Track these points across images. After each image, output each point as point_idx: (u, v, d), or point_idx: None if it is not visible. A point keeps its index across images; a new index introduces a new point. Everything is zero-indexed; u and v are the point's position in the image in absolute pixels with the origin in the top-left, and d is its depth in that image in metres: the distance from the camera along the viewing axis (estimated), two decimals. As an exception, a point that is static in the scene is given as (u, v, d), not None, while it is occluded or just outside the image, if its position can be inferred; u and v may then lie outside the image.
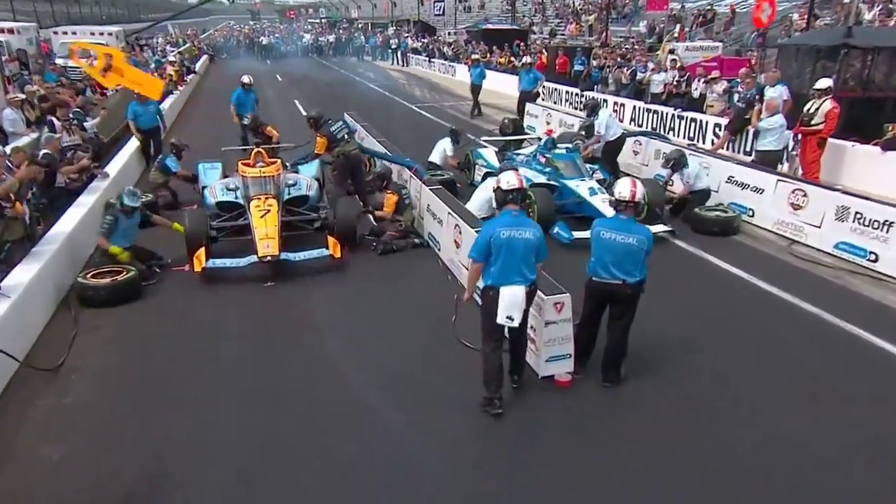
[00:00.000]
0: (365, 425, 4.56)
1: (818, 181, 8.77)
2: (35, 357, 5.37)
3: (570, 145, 9.56)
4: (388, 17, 56.82)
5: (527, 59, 19.08)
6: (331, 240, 7.30)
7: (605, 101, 15.26)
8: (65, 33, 26.19)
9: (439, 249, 7.59)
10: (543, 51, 24.26)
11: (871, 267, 7.07)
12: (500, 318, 4.53)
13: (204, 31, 58.77)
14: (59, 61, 20.05)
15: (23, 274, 5.79)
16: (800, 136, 9.48)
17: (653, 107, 14.54)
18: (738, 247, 7.99)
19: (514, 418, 4.64)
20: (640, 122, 14.59)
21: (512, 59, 25.04)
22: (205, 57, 35.84)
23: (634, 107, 15.05)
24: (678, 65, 15.58)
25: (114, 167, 9.74)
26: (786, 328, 5.98)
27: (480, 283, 4.68)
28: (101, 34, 26.21)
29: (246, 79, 12.46)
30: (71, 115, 10.25)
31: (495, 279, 4.53)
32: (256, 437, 4.44)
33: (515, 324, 4.57)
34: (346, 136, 8.75)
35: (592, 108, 10.20)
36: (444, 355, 5.42)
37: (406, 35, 41.75)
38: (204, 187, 8.47)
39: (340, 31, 53.59)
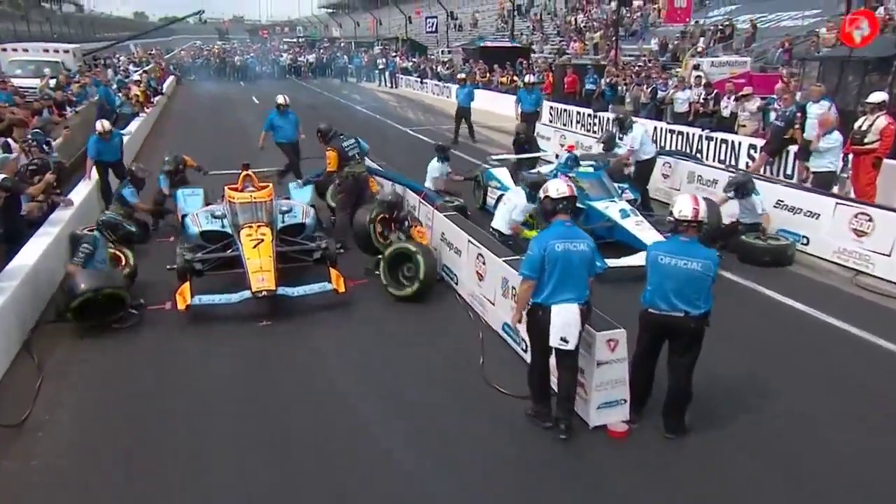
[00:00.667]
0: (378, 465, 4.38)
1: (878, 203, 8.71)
2: (-7, 411, 5.10)
3: (593, 163, 9.48)
4: (373, 36, 57.87)
5: (530, 77, 19.17)
6: (333, 272, 7.14)
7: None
8: (14, 50, 26.24)
9: (457, 283, 7.43)
10: (550, 69, 24.58)
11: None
12: (554, 341, 4.49)
13: (168, 50, 59.35)
14: (11, 80, 19.97)
15: (-21, 313, 5.55)
16: (850, 155, 9.50)
17: (677, 127, 14.51)
18: (794, 278, 7.90)
19: (559, 465, 4.50)
20: (664, 145, 14.59)
21: (515, 78, 25.34)
22: (171, 78, 36.03)
23: (656, 128, 15.03)
24: (704, 81, 15.71)
25: (76, 196, 9.55)
26: (856, 363, 5.91)
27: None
28: (57, 51, 26.30)
29: (281, 99, 11.73)
30: (30, 136, 10.11)
31: (545, 297, 4.48)
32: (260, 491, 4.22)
33: (571, 346, 4.49)
34: (356, 155, 8.68)
35: (622, 122, 10.11)
36: (474, 400, 5.26)
37: (394, 54, 42.35)
38: (184, 216, 8.30)
39: (321, 50, 54.33)
